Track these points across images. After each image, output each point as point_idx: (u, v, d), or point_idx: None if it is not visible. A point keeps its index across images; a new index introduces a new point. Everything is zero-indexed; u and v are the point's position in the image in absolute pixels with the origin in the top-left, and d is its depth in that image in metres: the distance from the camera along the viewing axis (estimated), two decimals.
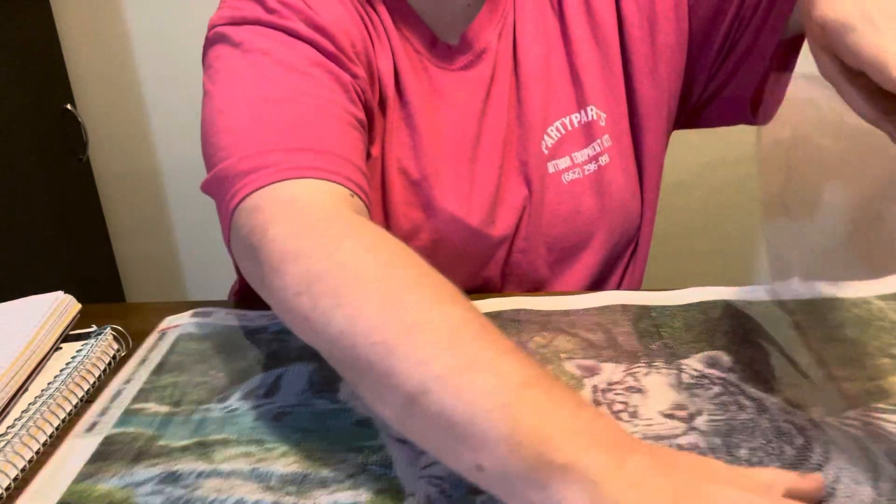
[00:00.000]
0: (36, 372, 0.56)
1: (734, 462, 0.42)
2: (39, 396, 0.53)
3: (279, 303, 0.44)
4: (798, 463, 0.42)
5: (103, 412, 0.51)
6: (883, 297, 0.59)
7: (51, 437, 0.51)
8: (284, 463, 0.44)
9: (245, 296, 0.75)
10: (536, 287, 0.71)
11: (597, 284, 0.72)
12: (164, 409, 0.51)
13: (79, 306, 0.63)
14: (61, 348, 0.59)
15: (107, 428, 0.49)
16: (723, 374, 0.50)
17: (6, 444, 0.48)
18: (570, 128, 0.68)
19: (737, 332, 0.56)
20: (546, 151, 0.68)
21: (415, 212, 0.66)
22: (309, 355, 0.55)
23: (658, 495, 0.32)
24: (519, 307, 0.61)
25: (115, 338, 0.61)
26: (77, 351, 0.58)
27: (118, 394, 0.53)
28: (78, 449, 0.48)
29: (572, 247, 0.70)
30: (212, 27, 0.65)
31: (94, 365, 0.57)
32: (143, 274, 1.68)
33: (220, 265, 1.70)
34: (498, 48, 0.67)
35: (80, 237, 1.49)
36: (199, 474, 0.44)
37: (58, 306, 0.61)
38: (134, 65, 1.51)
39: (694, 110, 0.75)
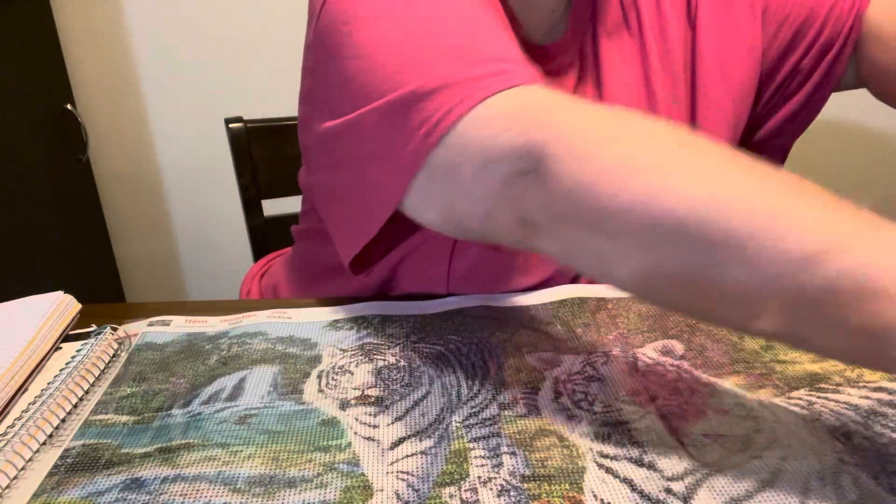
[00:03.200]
0: (36, 372, 0.56)
1: (686, 444, 0.44)
2: (39, 396, 0.53)
3: (602, 184, 0.38)
4: (747, 443, 0.44)
5: (58, 425, 0.50)
6: None
7: (50, 436, 0.51)
8: (250, 465, 0.44)
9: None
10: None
11: None
12: (124, 418, 0.50)
13: (79, 306, 0.63)
14: (61, 348, 0.59)
15: (65, 441, 0.48)
16: (676, 362, 0.53)
17: (6, 443, 0.48)
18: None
19: (688, 321, 0.59)
20: None
21: None
22: (272, 358, 0.55)
23: None
24: (480, 304, 0.62)
25: (114, 338, 0.61)
26: (77, 351, 0.58)
27: (75, 406, 0.52)
28: (35, 463, 0.46)
29: None
30: None
31: (94, 364, 0.57)
32: (143, 274, 1.68)
33: (220, 265, 1.71)
34: (581, 64, 0.68)
35: (80, 237, 1.49)
36: (164, 479, 0.43)
37: (58, 306, 0.61)
38: (134, 65, 1.51)
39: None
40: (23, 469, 0.46)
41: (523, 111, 0.43)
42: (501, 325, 0.59)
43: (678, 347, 0.55)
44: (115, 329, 0.61)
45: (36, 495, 0.43)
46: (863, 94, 0.74)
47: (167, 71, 1.50)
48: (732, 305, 0.37)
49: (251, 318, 0.62)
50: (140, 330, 0.61)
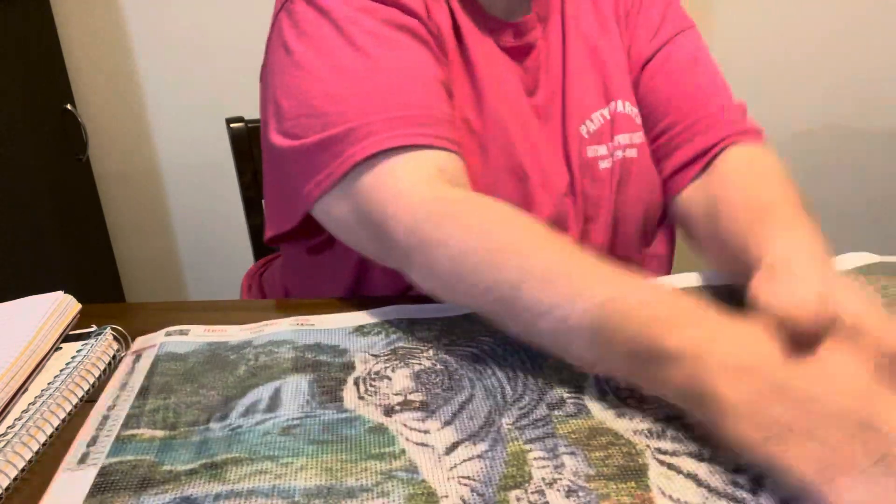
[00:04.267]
0: (36, 372, 0.56)
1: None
2: (39, 396, 0.53)
3: (427, 272, 0.55)
4: None
5: (92, 442, 0.48)
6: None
7: (51, 437, 0.51)
8: (304, 477, 0.43)
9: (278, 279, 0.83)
10: None
11: None
12: (160, 433, 0.48)
13: (79, 306, 0.63)
14: (61, 348, 0.59)
15: (101, 458, 0.46)
16: None
17: (6, 444, 0.48)
18: (608, 117, 0.71)
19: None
20: (587, 136, 0.71)
21: (474, 159, 0.67)
22: (303, 366, 0.54)
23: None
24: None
25: (114, 338, 0.61)
26: (77, 351, 0.58)
27: (104, 420, 0.50)
28: (73, 483, 0.44)
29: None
30: None
31: (94, 365, 0.57)
32: (143, 274, 1.68)
33: (220, 265, 1.71)
34: (547, 46, 0.72)
35: (80, 237, 1.49)
36: (217, 496, 0.41)
37: (58, 306, 0.61)
38: (134, 65, 1.51)
39: None
40: (54, 487, 0.45)
41: (370, 191, 0.57)
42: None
43: None
44: (115, 329, 0.61)
45: None
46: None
47: (167, 71, 1.50)
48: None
49: (273, 326, 0.61)
50: (158, 340, 0.60)
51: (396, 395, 0.50)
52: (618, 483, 0.41)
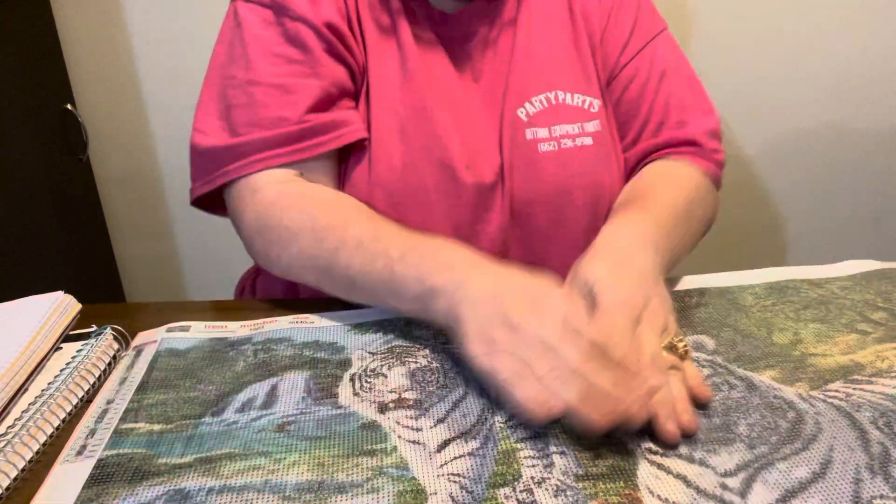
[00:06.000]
0: (36, 372, 0.56)
1: (734, 439, 0.45)
2: (40, 396, 0.53)
3: (270, 255, 0.64)
4: (793, 435, 0.45)
5: (90, 434, 0.49)
6: (838, 280, 0.65)
7: (51, 437, 0.51)
8: (297, 472, 0.43)
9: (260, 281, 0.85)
10: (505, 242, 0.73)
11: None
12: (157, 426, 0.49)
13: (79, 306, 0.63)
14: (61, 348, 0.60)
15: (98, 450, 0.47)
16: (709, 357, 0.53)
17: (6, 444, 0.48)
18: (554, 103, 0.72)
19: (714, 317, 0.59)
20: (525, 119, 0.72)
21: (395, 140, 0.70)
22: (301, 363, 0.55)
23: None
24: None
25: (114, 338, 0.61)
26: (77, 351, 0.58)
27: (103, 414, 0.51)
28: (71, 474, 0.45)
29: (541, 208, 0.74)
30: None
31: (95, 365, 0.57)
32: (143, 274, 1.68)
33: (220, 265, 1.71)
34: (493, 33, 0.73)
35: (80, 237, 1.49)
36: (210, 490, 0.42)
37: (58, 306, 0.61)
38: (134, 65, 1.51)
39: None
40: (52, 480, 0.45)
41: (247, 203, 0.66)
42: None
43: (709, 343, 0.55)
44: (115, 329, 0.61)
45: None
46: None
47: (167, 71, 1.50)
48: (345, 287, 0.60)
49: (273, 323, 0.61)
50: (159, 336, 0.61)
51: (391, 392, 0.51)
52: (606, 483, 0.41)
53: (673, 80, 0.76)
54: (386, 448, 0.45)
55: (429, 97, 0.70)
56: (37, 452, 0.49)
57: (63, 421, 0.52)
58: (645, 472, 0.42)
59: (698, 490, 0.41)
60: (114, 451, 0.47)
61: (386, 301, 0.58)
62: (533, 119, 0.72)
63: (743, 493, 0.40)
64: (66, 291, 0.64)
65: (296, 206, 0.63)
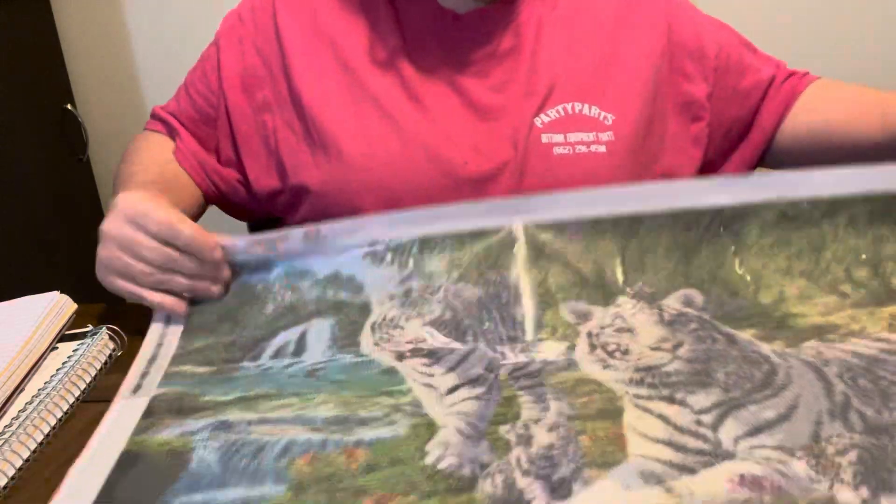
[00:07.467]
0: (32, 372, 0.57)
1: (711, 384, 0.49)
2: (36, 396, 0.54)
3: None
4: (765, 384, 0.49)
5: (143, 375, 0.55)
6: (853, 202, 0.62)
7: (47, 436, 0.51)
8: (325, 409, 0.50)
9: None
10: None
11: None
12: (202, 369, 0.56)
13: (74, 306, 0.64)
14: (57, 348, 0.60)
15: (151, 389, 0.54)
16: (697, 313, 0.57)
17: (4, 443, 0.49)
18: (570, 113, 0.74)
19: (707, 266, 0.61)
20: (540, 126, 0.73)
21: (392, 139, 0.73)
22: (326, 308, 0.60)
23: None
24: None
25: (110, 337, 0.61)
26: (73, 351, 0.59)
27: (154, 358, 0.57)
28: (128, 409, 0.52)
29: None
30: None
31: (90, 364, 0.58)
32: None
33: None
34: (509, 37, 0.74)
35: (80, 237, 1.50)
36: (249, 422, 0.49)
37: (54, 306, 0.62)
38: (134, 65, 1.51)
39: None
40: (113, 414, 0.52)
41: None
42: (536, 258, 0.60)
43: (698, 299, 0.59)
44: (111, 329, 0.61)
45: (135, 433, 0.49)
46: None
47: (167, 71, 1.50)
48: None
49: (287, 242, 0.62)
50: None
51: (408, 343, 0.56)
52: (595, 422, 0.47)
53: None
54: (402, 390, 0.51)
55: (431, 107, 0.72)
56: (33, 451, 0.50)
57: (60, 420, 0.53)
58: (631, 414, 0.47)
59: (675, 427, 0.46)
60: (164, 389, 0.54)
61: None
62: (548, 126, 0.73)
63: (715, 427, 0.45)
64: (66, 291, 0.64)
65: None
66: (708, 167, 0.83)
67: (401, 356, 0.55)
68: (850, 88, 0.78)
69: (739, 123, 0.80)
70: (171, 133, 0.82)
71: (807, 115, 0.78)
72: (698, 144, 0.80)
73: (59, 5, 1.45)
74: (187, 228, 0.58)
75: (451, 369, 0.53)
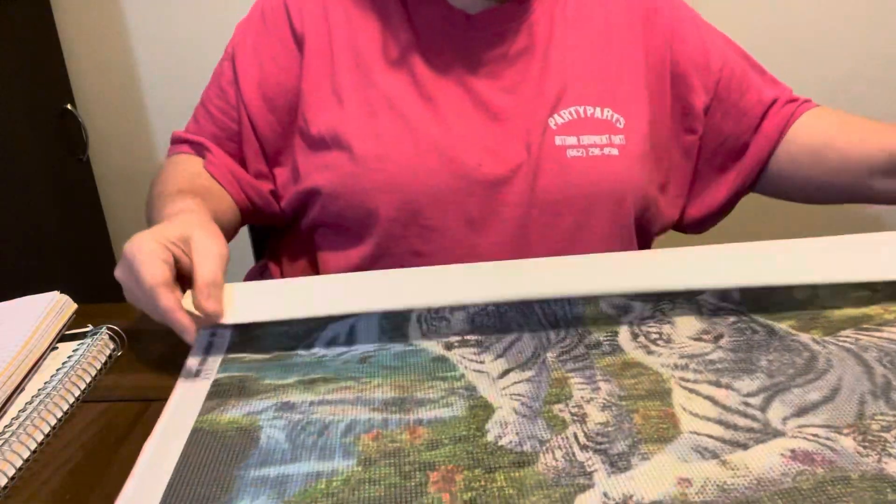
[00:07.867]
0: (32, 372, 0.57)
1: (755, 370, 0.52)
2: (36, 396, 0.53)
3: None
4: (807, 369, 0.52)
5: (202, 362, 0.57)
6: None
7: (47, 436, 0.51)
8: (382, 391, 0.52)
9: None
10: (520, 237, 0.74)
11: None
12: (259, 356, 0.57)
13: (75, 306, 0.64)
14: (57, 348, 0.60)
15: (212, 374, 0.56)
16: (734, 307, 0.60)
17: (4, 443, 0.49)
18: (583, 116, 0.74)
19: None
20: (554, 128, 0.73)
21: (404, 139, 0.73)
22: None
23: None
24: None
25: (110, 337, 0.61)
26: (73, 351, 0.59)
27: (210, 346, 0.59)
28: (193, 390, 0.53)
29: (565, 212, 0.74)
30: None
31: (91, 364, 0.58)
32: None
33: None
34: (524, 38, 0.75)
35: (80, 237, 1.50)
36: (311, 403, 0.51)
37: (54, 306, 0.62)
38: (134, 65, 1.51)
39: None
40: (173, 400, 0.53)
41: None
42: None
43: (735, 294, 0.61)
44: (111, 329, 0.61)
45: (203, 413, 0.51)
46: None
47: (167, 71, 1.50)
48: None
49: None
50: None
51: (455, 335, 0.58)
52: (646, 402, 0.49)
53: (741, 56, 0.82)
54: (455, 375, 0.53)
55: (443, 107, 0.72)
56: (33, 451, 0.49)
57: (59, 420, 0.52)
58: (679, 394, 0.50)
59: (724, 407, 0.48)
60: (225, 374, 0.55)
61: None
62: (562, 128, 0.73)
63: (763, 409, 0.48)
64: (66, 291, 0.64)
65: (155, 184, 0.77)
66: (699, 183, 0.84)
67: (449, 346, 0.57)
68: (850, 115, 0.79)
69: (734, 140, 0.81)
70: (199, 151, 0.79)
71: (807, 137, 0.79)
72: (688, 157, 0.81)
73: (59, 5, 1.45)
74: (163, 301, 0.53)
75: (500, 356, 0.55)
